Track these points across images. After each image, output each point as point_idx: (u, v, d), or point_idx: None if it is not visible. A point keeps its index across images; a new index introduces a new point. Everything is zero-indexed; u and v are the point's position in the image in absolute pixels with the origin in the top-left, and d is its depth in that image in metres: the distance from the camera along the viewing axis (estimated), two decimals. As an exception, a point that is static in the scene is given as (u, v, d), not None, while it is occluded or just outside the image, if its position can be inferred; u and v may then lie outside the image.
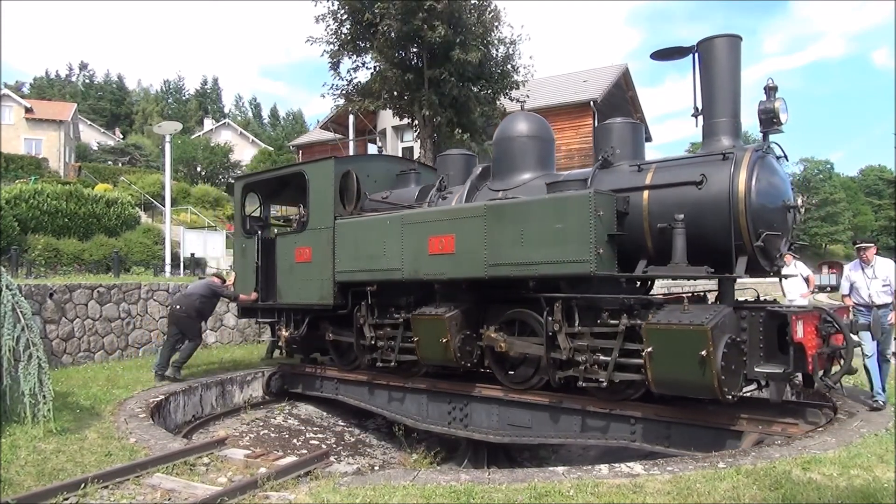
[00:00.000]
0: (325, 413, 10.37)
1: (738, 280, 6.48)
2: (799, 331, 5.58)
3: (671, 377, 5.82)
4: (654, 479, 4.54)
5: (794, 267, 11.04)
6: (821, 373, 5.93)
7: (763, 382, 6.40)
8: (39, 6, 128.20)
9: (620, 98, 30.46)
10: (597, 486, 4.41)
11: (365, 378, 9.40)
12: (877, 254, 7.20)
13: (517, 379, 7.61)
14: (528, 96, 18.77)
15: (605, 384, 6.45)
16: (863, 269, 7.18)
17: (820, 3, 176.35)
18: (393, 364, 8.61)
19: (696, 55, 6.73)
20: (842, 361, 6.00)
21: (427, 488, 4.48)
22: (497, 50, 17.77)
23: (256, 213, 11.11)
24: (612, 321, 6.42)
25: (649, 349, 5.84)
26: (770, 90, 6.42)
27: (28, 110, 46.42)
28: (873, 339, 6.69)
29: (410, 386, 8.78)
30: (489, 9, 17.11)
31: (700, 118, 6.79)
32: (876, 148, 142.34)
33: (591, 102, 24.66)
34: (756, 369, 5.79)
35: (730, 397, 5.61)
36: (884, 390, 6.91)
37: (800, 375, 5.88)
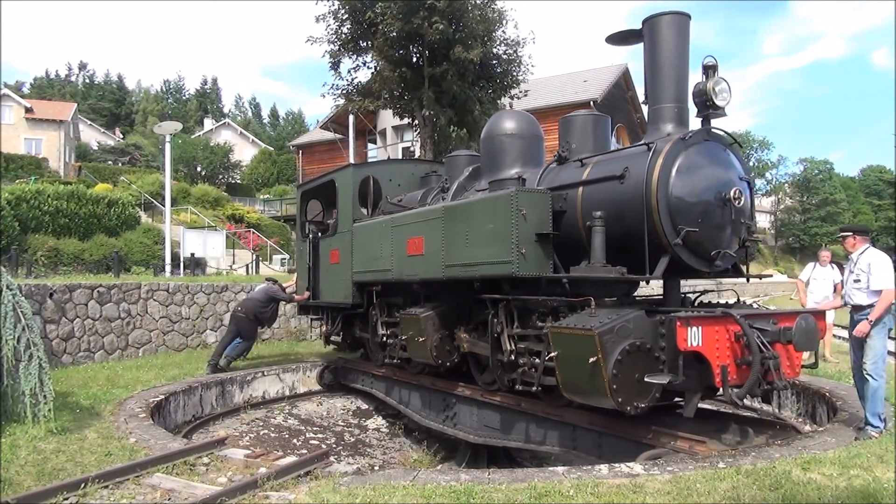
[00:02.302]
0: (325, 413, 10.39)
1: (724, 280, 6.27)
2: (692, 338, 5.07)
3: (574, 383, 5.52)
4: (653, 479, 4.53)
5: (832, 269, 10.01)
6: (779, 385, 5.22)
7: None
8: (39, 6, 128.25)
9: (620, 98, 30.48)
10: (597, 486, 4.41)
11: (382, 373, 9.88)
12: (873, 244, 6.05)
13: (486, 380, 7.64)
14: (523, 95, 18.72)
15: (534, 388, 6.30)
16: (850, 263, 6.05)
17: (820, 3, 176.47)
18: (396, 361, 8.94)
19: (643, 35, 6.16)
20: (777, 373, 5.25)
21: (427, 488, 4.48)
22: (499, 49, 17.74)
23: (319, 218, 12.03)
24: (539, 323, 6.23)
25: (555, 353, 5.59)
26: (708, 69, 5.76)
27: (28, 110, 46.42)
28: (797, 350, 5.56)
29: (415, 383, 9.01)
30: (492, 8, 17.08)
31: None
32: (876, 148, 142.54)
33: (592, 102, 24.68)
34: (646, 379, 5.23)
35: (629, 408, 5.17)
36: (870, 414, 5.71)
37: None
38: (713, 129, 5.96)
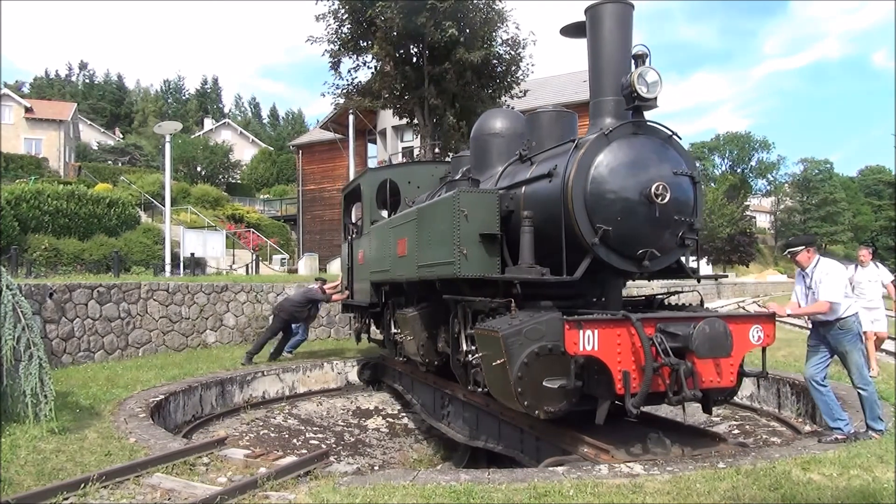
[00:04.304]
0: (325, 413, 10.39)
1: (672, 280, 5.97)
2: (586, 342, 4.85)
3: (493, 384, 5.48)
4: (653, 479, 4.53)
5: (876, 269, 8.96)
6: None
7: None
8: (39, 6, 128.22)
9: (620, 98, 30.35)
10: (597, 486, 4.40)
11: (402, 370, 10.17)
12: (873, 244, 5.66)
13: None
14: (522, 95, 18.71)
15: (481, 389, 6.27)
16: (803, 277, 5.86)
17: (820, 4, 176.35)
18: (403, 359, 9.26)
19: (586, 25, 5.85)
20: (689, 380, 4.97)
21: (427, 488, 4.48)
22: (500, 49, 17.74)
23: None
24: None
25: (480, 354, 5.55)
26: (637, 58, 5.42)
27: (28, 110, 46.46)
28: (699, 358, 5.12)
29: (422, 381, 9.20)
30: (494, 9, 17.08)
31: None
32: (875, 148, 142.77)
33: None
34: (545, 382, 5.07)
35: (537, 412, 5.08)
36: (871, 420, 5.60)
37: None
38: (647, 123, 5.65)
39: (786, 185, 78.59)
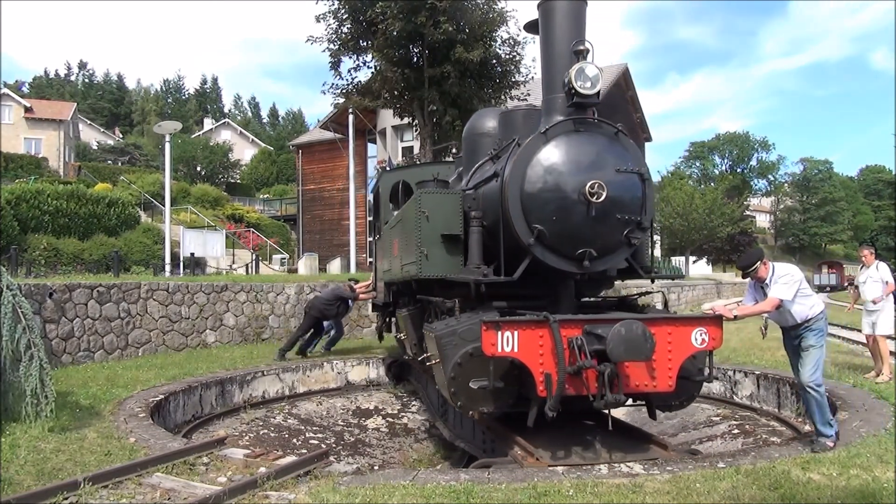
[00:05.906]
0: (324, 413, 10.39)
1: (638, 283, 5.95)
2: (504, 343, 4.75)
3: (438, 383, 5.55)
4: (653, 478, 4.54)
5: (877, 269, 8.79)
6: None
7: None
8: (39, 6, 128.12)
9: (620, 98, 30.48)
10: (596, 485, 4.41)
11: (418, 368, 10.27)
12: (873, 244, 5.40)
13: None
14: (524, 97, 18.71)
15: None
16: (762, 288, 5.61)
17: (820, 3, 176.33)
18: (406, 356, 9.52)
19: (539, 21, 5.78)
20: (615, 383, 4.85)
21: (427, 488, 4.48)
22: (500, 49, 17.74)
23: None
24: None
25: (430, 353, 5.59)
26: (577, 54, 5.31)
27: (28, 110, 46.46)
28: (614, 360, 4.87)
29: (426, 379, 9.34)
30: (493, 9, 17.08)
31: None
32: (875, 148, 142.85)
33: (591, 102, 24.61)
34: (470, 383, 5.01)
35: (471, 412, 5.08)
36: (821, 424, 5.35)
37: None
38: (592, 119, 5.52)
39: (786, 184, 78.55)
